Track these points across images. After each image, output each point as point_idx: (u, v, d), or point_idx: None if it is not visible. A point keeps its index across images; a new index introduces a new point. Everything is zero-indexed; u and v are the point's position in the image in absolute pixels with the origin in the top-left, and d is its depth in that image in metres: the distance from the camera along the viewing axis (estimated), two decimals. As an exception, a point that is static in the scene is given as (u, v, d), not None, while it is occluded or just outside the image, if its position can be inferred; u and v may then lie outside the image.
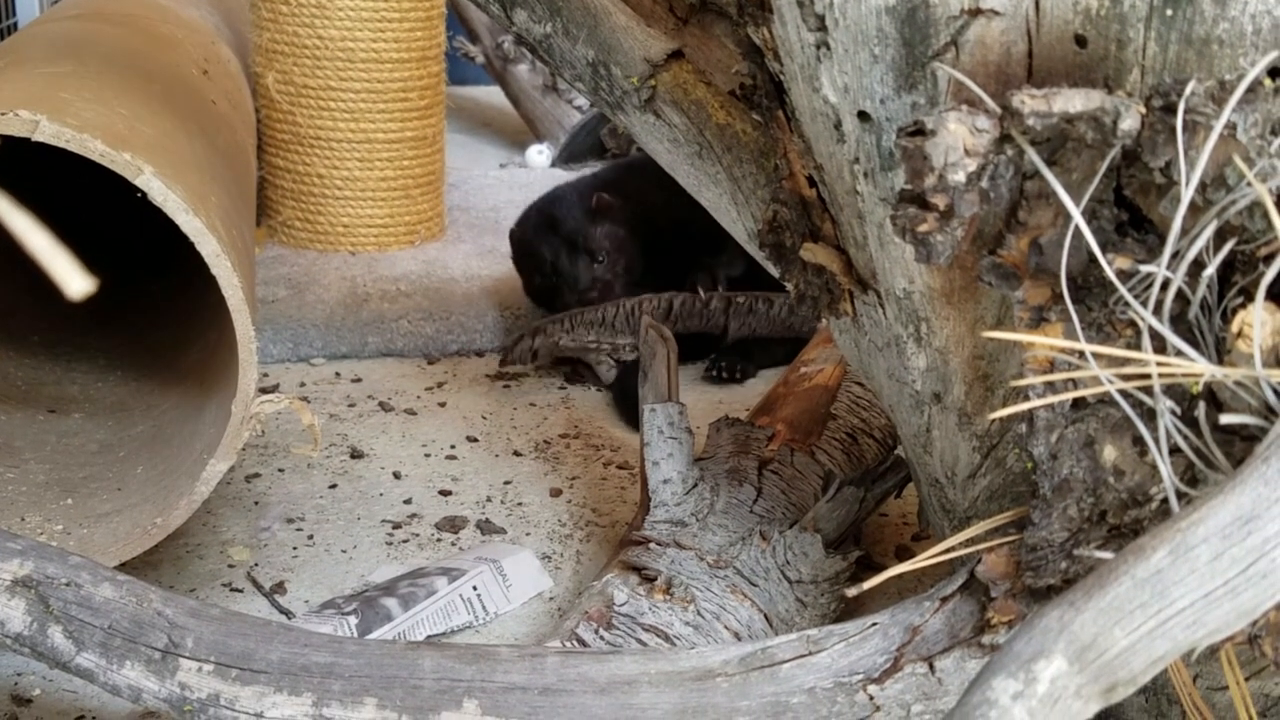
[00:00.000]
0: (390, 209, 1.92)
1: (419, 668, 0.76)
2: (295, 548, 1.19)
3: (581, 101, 2.59)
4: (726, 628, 0.96)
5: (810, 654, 0.76)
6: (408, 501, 1.29)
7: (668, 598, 0.97)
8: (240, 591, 1.11)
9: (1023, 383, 0.63)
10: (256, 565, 1.16)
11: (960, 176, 0.61)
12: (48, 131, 0.94)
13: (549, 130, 2.63)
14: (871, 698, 0.74)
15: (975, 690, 0.56)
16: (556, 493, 1.32)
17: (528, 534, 1.24)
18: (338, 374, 1.60)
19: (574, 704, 0.74)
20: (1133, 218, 0.67)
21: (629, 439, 1.45)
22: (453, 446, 1.42)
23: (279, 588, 1.12)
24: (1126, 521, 0.70)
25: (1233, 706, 0.77)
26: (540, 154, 2.57)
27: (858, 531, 1.16)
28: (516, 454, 1.41)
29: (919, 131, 0.62)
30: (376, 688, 0.75)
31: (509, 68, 2.68)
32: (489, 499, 1.30)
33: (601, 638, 0.93)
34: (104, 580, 0.79)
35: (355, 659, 0.76)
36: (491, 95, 2.95)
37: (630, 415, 1.50)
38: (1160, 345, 0.64)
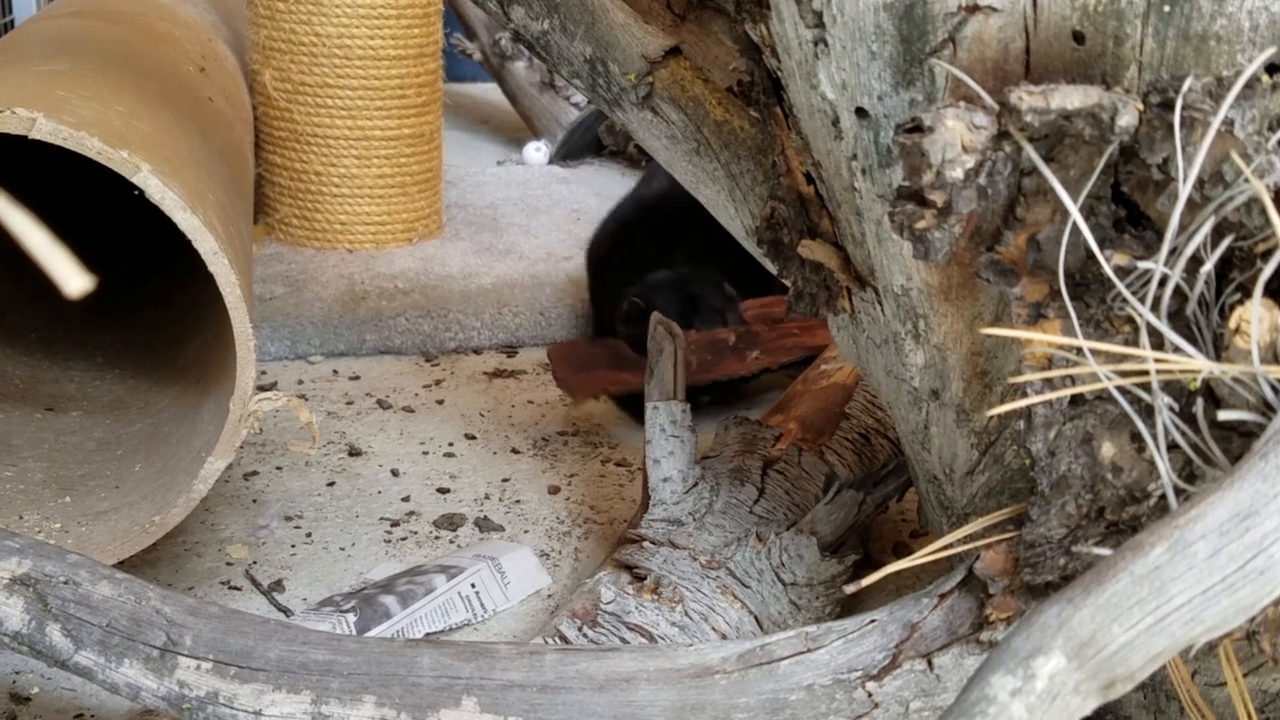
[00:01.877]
0: (388, 206, 1.91)
1: (418, 665, 0.76)
2: (293, 545, 1.19)
3: (579, 98, 2.59)
4: (714, 629, 0.96)
5: (809, 651, 0.76)
6: (406, 499, 1.29)
7: (655, 597, 0.97)
8: (239, 589, 1.11)
9: (1021, 379, 0.63)
10: (255, 563, 1.16)
11: (958, 173, 0.61)
12: (44, 129, 0.93)
13: (546, 127, 2.62)
14: (870, 695, 0.74)
15: (974, 687, 0.56)
16: (555, 490, 1.32)
17: (526, 531, 1.24)
18: (335, 372, 1.60)
19: (572, 701, 0.74)
20: (1130, 214, 0.67)
21: (627, 436, 1.45)
22: (451, 444, 1.42)
23: (277, 586, 1.12)
24: (1124, 518, 0.70)
25: (1231, 703, 0.77)
26: (538, 151, 2.57)
27: (865, 534, 1.16)
28: (514, 451, 1.41)
29: (917, 128, 0.62)
30: (375, 685, 0.75)
31: (506, 64, 2.68)
32: (487, 496, 1.30)
33: (585, 635, 0.93)
34: (102, 578, 0.79)
35: (354, 657, 0.76)
36: (489, 92, 2.95)
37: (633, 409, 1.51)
38: (1158, 342, 0.64)
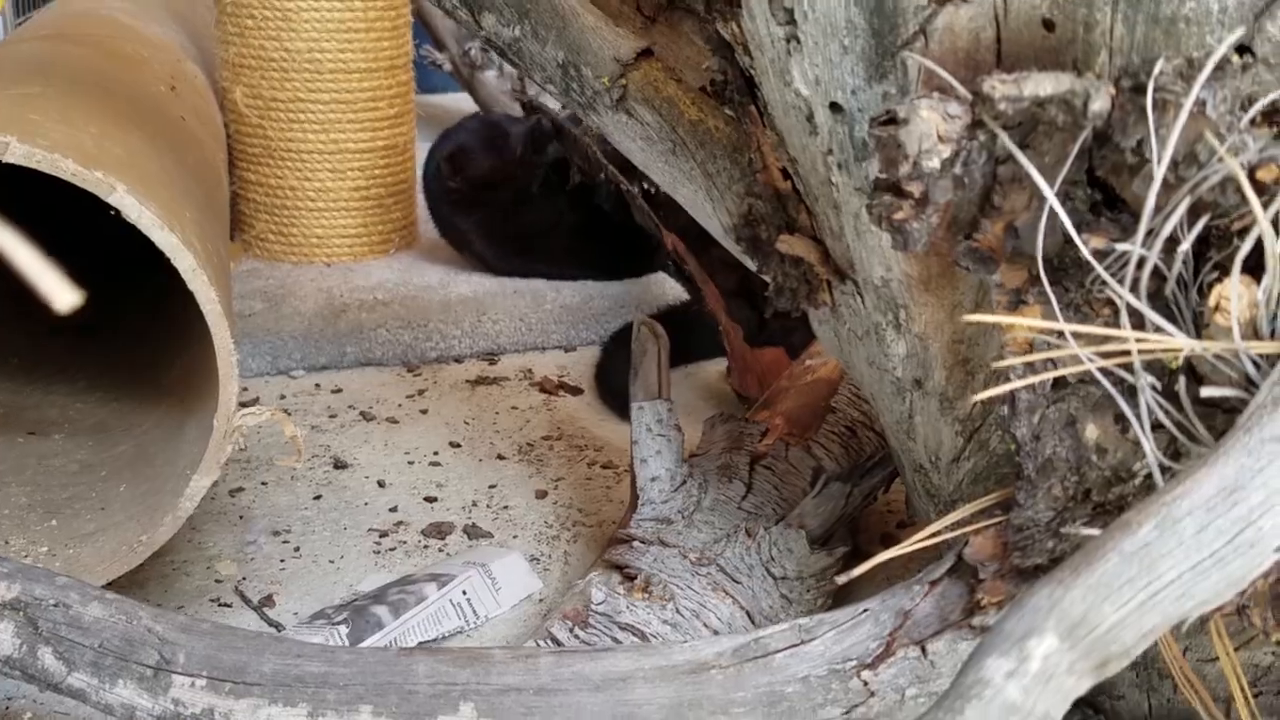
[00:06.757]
0: (364, 219, 1.91)
1: (413, 673, 0.76)
2: (282, 560, 1.19)
3: (550, 106, 2.59)
4: (706, 625, 0.96)
5: (803, 643, 0.76)
6: (393, 509, 1.29)
7: (646, 596, 0.97)
8: (229, 606, 1.11)
9: (1003, 364, 0.64)
10: (244, 579, 1.15)
11: (934, 163, 0.62)
12: (18, 153, 0.93)
13: (518, 135, 2.62)
14: (865, 683, 0.74)
15: (968, 671, 0.56)
16: (542, 494, 1.32)
17: (515, 537, 1.24)
18: (318, 385, 1.60)
19: (570, 703, 0.75)
20: (1106, 198, 0.67)
21: (612, 439, 1.45)
22: (436, 453, 1.42)
23: (268, 601, 1.12)
24: (1111, 499, 0.71)
25: (1223, 677, 0.78)
26: (511, 159, 2.57)
27: (853, 526, 1.16)
28: (500, 458, 1.41)
29: (891, 120, 0.62)
30: (371, 695, 0.75)
31: (476, 74, 2.68)
32: (474, 503, 1.30)
33: (577, 636, 0.93)
34: (92, 599, 0.79)
35: (349, 667, 0.76)
36: (460, 102, 2.94)
37: (616, 403, 1.52)
38: (1139, 323, 0.64)
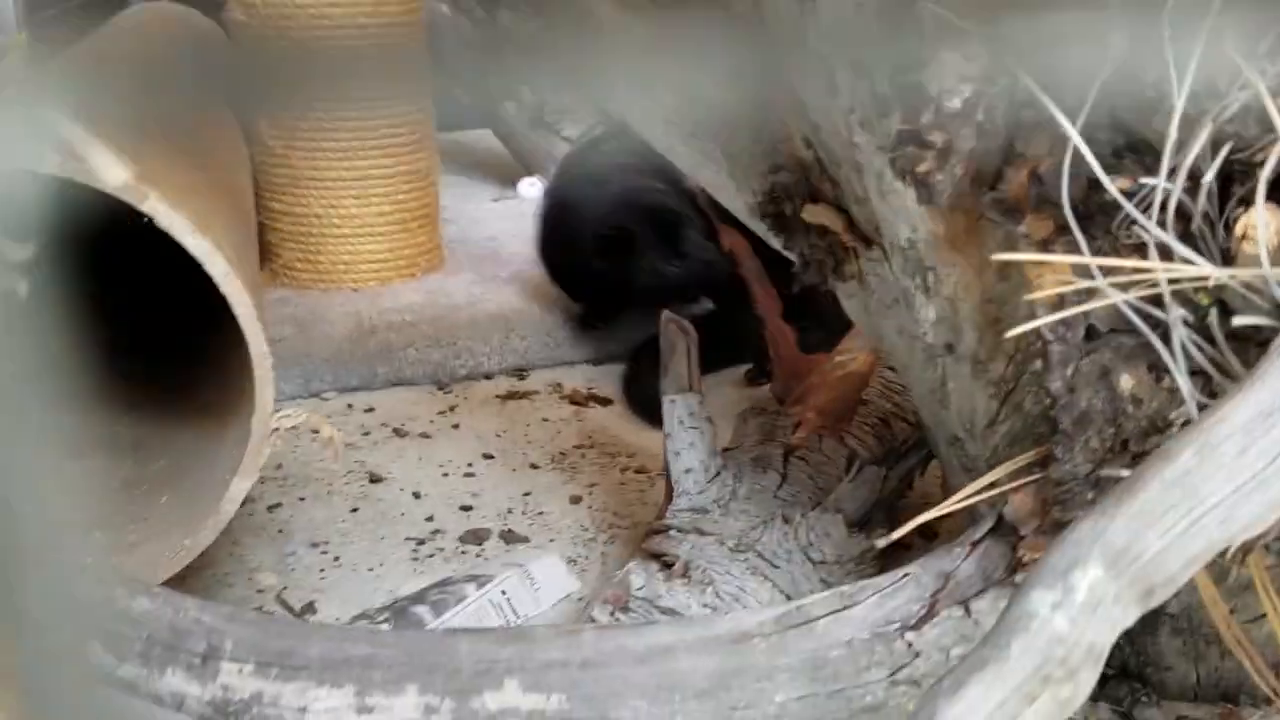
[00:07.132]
0: (389, 243, 1.93)
1: (457, 652, 0.76)
2: (322, 569, 1.19)
3: (569, 132, 2.61)
4: (745, 609, 0.96)
5: (845, 608, 0.76)
6: (430, 519, 1.29)
7: (686, 581, 0.97)
8: (271, 614, 1.11)
9: (1035, 296, 0.64)
10: (285, 588, 1.16)
11: (956, 104, 0.62)
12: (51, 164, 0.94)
13: (539, 164, 2.64)
14: (910, 644, 0.74)
15: (1015, 605, 0.56)
16: (576, 500, 1.33)
17: (551, 540, 1.24)
18: (350, 406, 1.61)
19: (614, 674, 0.75)
20: (1128, 142, 0.68)
21: (644, 445, 1.45)
22: (470, 464, 1.42)
23: (309, 608, 1.12)
24: (1149, 448, 0.71)
25: (1270, 641, 0.77)
26: (532, 187, 2.59)
27: (890, 514, 1.15)
28: (534, 466, 1.41)
29: (912, 66, 0.63)
30: (417, 674, 0.75)
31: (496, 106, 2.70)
32: (510, 510, 1.31)
33: (617, 619, 0.93)
34: (139, 593, 0.80)
35: (393, 649, 0.77)
36: (481, 138, 2.97)
37: (644, 412, 1.51)
38: (1167, 259, 0.64)
